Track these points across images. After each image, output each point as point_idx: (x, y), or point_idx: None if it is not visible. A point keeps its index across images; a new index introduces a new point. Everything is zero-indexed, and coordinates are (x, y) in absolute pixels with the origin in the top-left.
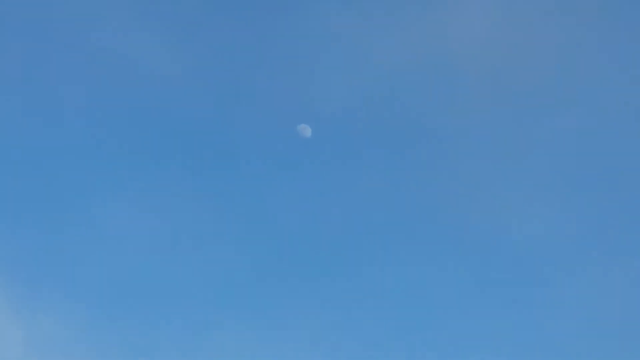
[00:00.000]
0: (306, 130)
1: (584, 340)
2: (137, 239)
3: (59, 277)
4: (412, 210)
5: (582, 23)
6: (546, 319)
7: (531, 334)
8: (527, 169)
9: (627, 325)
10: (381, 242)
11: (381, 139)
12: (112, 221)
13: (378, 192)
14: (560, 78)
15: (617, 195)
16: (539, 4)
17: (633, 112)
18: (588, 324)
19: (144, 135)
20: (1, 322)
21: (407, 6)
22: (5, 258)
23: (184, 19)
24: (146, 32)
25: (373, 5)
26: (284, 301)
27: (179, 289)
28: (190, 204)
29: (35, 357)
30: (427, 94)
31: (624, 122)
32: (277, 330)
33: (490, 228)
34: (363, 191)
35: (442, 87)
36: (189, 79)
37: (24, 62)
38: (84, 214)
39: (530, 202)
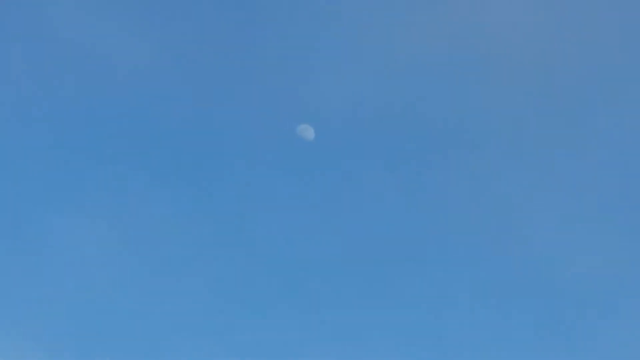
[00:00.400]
0: (308, 132)
1: None
2: (104, 260)
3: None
4: (433, 231)
5: (631, 11)
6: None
7: None
8: (567, 184)
9: None
10: (396, 266)
11: (396, 145)
12: (72, 238)
13: (393, 207)
14: (606, 75)
15: None
16: None
17: None
18: None
19: (116, 137)
20: None
21: None
22: None
23: (165, 6)
24: (121, 21)
25: None
26: (277, 335)
27: (153, 322)
28: (169, 219)
29: None
30: (447, 94)
31: None
32: None
33: (525, 255)
34: (374, 204)
35: (464, 87)
36: (168, 72)
37: None
38: (38, 229)
39: (575, 223)
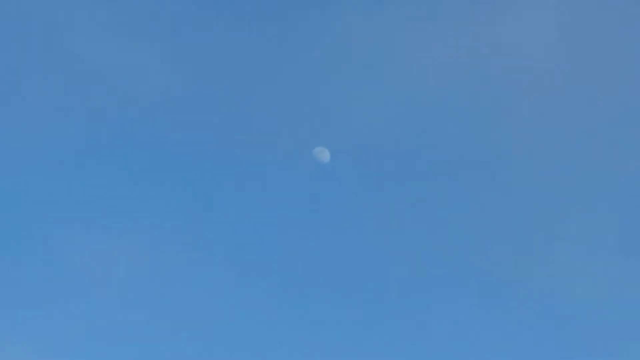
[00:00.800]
0: (324, 154)
1: None
2: (113, 281)
3: (13, 328)
4: (448, 261)
5: None
6: None
7: None
8: (591, 213)
9: None
10: (410, 294)
11: (414, 171)
12: (83, 259)
13: (410, 236)
14: (632, 102)
15: None
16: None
17: None
18: None
19: (128, 158)
20: None
21: (451, 11)
22: None
23: (181, 27)
24: (135, 40)
25: (409, 10)
26: (284, 350)
27: (162, 343)
28: (180, 241)
29: None
30: (474, 120)
31: None
32: None
33: (542, 286)
34: (391, 232)
35: (492, 113)
36: (183, 95)
37: None
38: (46, 249)
39: (595, 254)
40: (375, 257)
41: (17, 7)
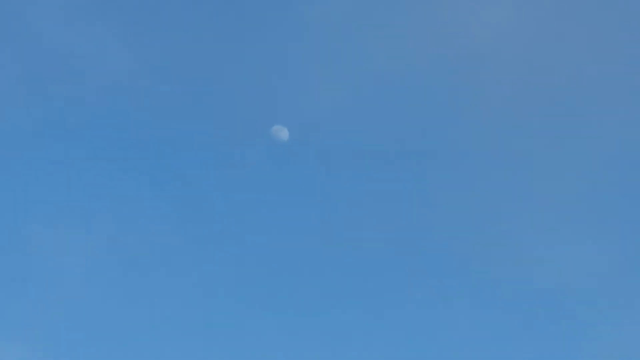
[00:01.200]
0: (282, 132)
1: None
2: (82, 268)
3: None
4: (413, 242)
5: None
6: None
7: None
8: (553, 192)
9: None
10: (376, 277)
11: (376, 153)
12: (49, 246)
13: (373, 216)
14: (595, 79)
15: None
16: None
17: None
18: None
19: (90, 141)
20: None
21: None
22: None
23: (139, 7)
24: (94, 22)
25: None
26: (267, 335)
27: (134, 330)
28: (145, 224)
29: None
30: (430, 100)
31: None
32: None
33: (506, 265)
34: (354, 213)
35: (448, 93)
36: (144, 75)
37: None
38: (15, 237)
39: (559, 234)
40: (334, 232)
41: None
